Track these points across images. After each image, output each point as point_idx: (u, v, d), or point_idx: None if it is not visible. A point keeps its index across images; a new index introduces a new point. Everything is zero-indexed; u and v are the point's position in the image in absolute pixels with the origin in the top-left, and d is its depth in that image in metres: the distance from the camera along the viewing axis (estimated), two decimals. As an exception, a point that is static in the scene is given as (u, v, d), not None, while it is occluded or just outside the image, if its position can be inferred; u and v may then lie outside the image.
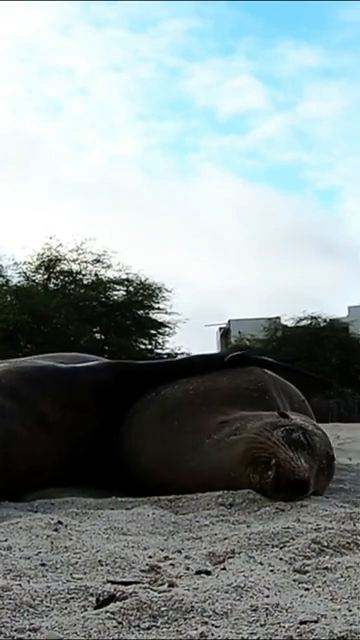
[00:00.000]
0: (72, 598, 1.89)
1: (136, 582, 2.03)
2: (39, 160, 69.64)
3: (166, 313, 33.01)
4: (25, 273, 32.59)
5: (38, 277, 32.90)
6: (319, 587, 2.03)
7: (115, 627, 1.68)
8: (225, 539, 2.59)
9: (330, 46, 76.52)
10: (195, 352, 29.81)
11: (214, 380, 4.14)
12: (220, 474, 3.49)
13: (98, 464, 4.17)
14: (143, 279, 32.82)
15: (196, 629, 1.65)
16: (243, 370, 4.26)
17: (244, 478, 3.38)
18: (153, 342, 33.65)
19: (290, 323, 39.79)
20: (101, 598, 1.87)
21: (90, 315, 31.79)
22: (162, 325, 33.19)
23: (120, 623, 1.70)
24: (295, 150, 78.93)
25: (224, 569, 2.20)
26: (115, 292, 33.12)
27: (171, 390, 4.19)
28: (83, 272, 32.85)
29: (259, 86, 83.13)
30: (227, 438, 3.59)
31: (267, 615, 1.73)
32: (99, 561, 2.26)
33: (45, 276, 32.93)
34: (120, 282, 33.02)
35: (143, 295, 32.90)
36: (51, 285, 32.82)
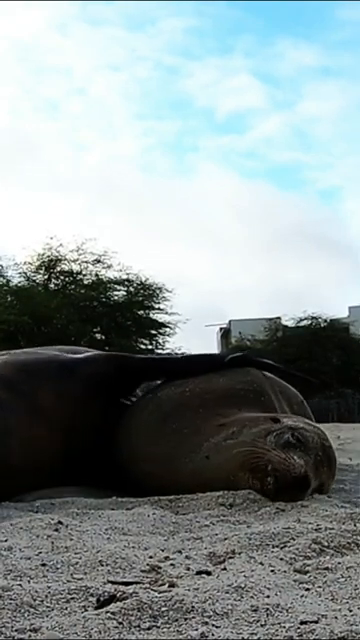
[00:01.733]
0: (73, 598, 1.89)
1: (137, 582, 2.03)
2: (38, 160, 69.83)
3: (166, 313, 33.04)
4: (25, 273, 32.62)
5: (38, 277, 32.91)
6: (319, 587, 2.03)
7: (116, 627, 1.68)
8: (225, 539, 2.59)
9: (329, 45, 76.70)
10: (195, 352, 29.79)
11: (210, 381, 4.14)
12: (219, 477, 3.51)
13: (98, 458, 4.17)
14: (143, 279, 32.85)
15: (196, 629, 1.65)
16: (240, 371, 4.27)
17: (243, 482, 3.40)
18: (153, 342, 33.65)
19: (290, 323, 39.82)
20: (102, 598, 1.87)
21: (91, 315, 31.79)
22: (162, 325, 33.19)
23: (121, 623, 1.70)
24: (294, 150, 79.10)
25: (224, 569, 2.20)
26: (115, 292, 33.13)
27: (168, 392, 4.19)
28: (83, 272, 32.86)
29: (258, 85, 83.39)
30: (224, 442, 3.61)
31: (268, 615, 1.73)
32: (100, 561, 2.26)
33: (45, 276, 32.93)
34: (120, 282, 33.01)
35: (143, 295, 32.90)
36: (51, 285, 32.82)
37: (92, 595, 1.90)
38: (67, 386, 4.14)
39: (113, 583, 2.02)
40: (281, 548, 2.45)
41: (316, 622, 1.67)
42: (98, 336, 32.88)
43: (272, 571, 2.17)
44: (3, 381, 3.95)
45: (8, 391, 3.90)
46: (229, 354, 4.67)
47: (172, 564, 2.26)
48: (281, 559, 2.32)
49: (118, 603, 1.79)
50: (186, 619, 1.72)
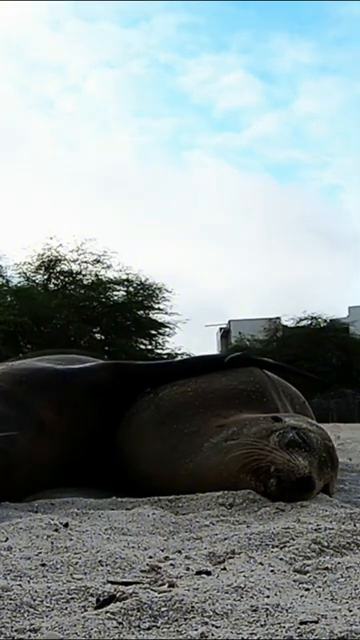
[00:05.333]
0: (72, 598, 1.89)
1: (136, 582, 2.03)
2: (34, 158, 69.66)
3: (166, 313, 33.04)
4: (25, 274, 32.61)
5: (38, 278, 32.91)
6: (319, 587, 2.03)
7: (115, 627, 1.68)
8: (225, 539, 2.59)
9: (325, 42, 76.53)
10: (195, 352, 29.85)
11: (212, 381, 4.13)
12: (219, 478, 3.49)
13: (98, 465, 4.17)
14: (143, 279, 32.87)
15: (196, 629, 1.65)
16: (242, 371, 4.25)
17: (245, 483, 3.39)
18: (153, 342, 33.66)
19: (290, 323, 39.86)
20: (101, 598, 1.87)
21: (90, 315, 31.79)
22: (162, 325, 33.19)
23: (120, 623, 1.70)
24: (292, 148, 78.94)
25: (224, 569, 2.20)
26: (115, 292, 33.14)
27: (169, 392, 4.17)
28: (83, 272, 32.87)
29: (254, 82, 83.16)
30: (225, 442, 3.59)
31: (267, 615, 1.73)
32: (99, 561, 2.26)
33: (45, 277, 32.94)
34: (120, 282, 33.02)
35: (143, 295, 32.91)
36: (51, 286, 32.83)
37: (92, 595, 1.90)
38: (65, 397, 4.14)
39: (113, 583, 2.02)
40: (281, 548, 2.45)
41: (316, 622, 1.67)
42: (98, 336, 32.88)
43: (272, 571, 2.17)
44: (2, 393, 3.96)
45: (7, 404, 3.90)
46: (228, 354, 4.66)
47: (172, 564, 2.26)
48: (281, 559, 2.32)
49: (118, 603, 1.79)
50: (186, 619, 1.72)
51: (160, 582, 2.05)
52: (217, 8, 76.47)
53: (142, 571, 2.18)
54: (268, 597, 1.88)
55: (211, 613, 1.75)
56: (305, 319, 38.92)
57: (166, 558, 2.34)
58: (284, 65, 77.07)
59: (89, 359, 5.06)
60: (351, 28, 75.61)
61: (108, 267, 32.82)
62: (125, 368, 4.70)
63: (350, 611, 1.78)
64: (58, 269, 32.87)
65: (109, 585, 1.99)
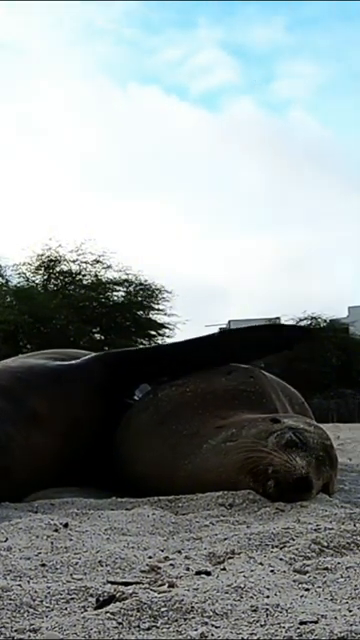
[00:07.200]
0: (72, 599, 1.89)
1: (136, 582, 2.03)
2: (32, 159, 68.98)
3: (166, 314, 33.04)
4: (25, 274, 32.60)
5: (38, 278, 32.91)
6: (319, 587, 2.03)
7: (115, 627, 1.68)
8: (225, 539, 2.59)
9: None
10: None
11: (211, 382, 4.13)
12: (218, 480, 3.50)
13: (96, 463, 4.18)
14: (143, 280, 32.86)
15: (196, 629, 1.65)
16: (241, 372, 4.25)
17: (244, 485, 3.39)
18: (153, 343, 33.63)
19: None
20: (101, 598, 1.87)
21: (90, 316, 31.76)
22: (162, 326, 33.19)
23: (120, 624, 1.70)
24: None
25: (224, 569, 2.20)
26: (115, 293, 33.12)
27: (168, 392, 4.17)
28: (83, 273, 32.86)
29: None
30: (224, 444, 3.59)
31: (267, 615, 1.73)
32: (99, 561, 2.26)
33: (45, 277, 32.92)
34: (120, 283, 33.00)
35: (143, 296, 32.90)
36: (51, 286, 32.81)
37: (92, 595, 1.90)
38: (60, 391, 4.15)
39: (113, 583, 2.02)
40: (281, 548, 2.45)
41: (316, 622, 1.67)
42: (97, 336, 32.85)
43: (272, 571, 2.17)
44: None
45: (3, 399, 3.91)
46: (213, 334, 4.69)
47: (172, 564, 2.26)
48: (281, 559, 2.32)
49: (118, 603, 1.79)
50: (186, 619, 1.72)
51: (160, 582, 2.05)
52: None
53: (142, 571, 2.18)
54: (268, 597, 1.88)
55: (211, 613, 1.75)
56: (305, 319, 38.89)
57: (166, 558, 2.34)
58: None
59: (86, 353, 5.06)
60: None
61: (108, 267, 32.81)
62: (120, 356, 4.72)
63: (350, 611, 1.78)
64: (58, 269, 32.85)
65: (109, 585, 1.99)
